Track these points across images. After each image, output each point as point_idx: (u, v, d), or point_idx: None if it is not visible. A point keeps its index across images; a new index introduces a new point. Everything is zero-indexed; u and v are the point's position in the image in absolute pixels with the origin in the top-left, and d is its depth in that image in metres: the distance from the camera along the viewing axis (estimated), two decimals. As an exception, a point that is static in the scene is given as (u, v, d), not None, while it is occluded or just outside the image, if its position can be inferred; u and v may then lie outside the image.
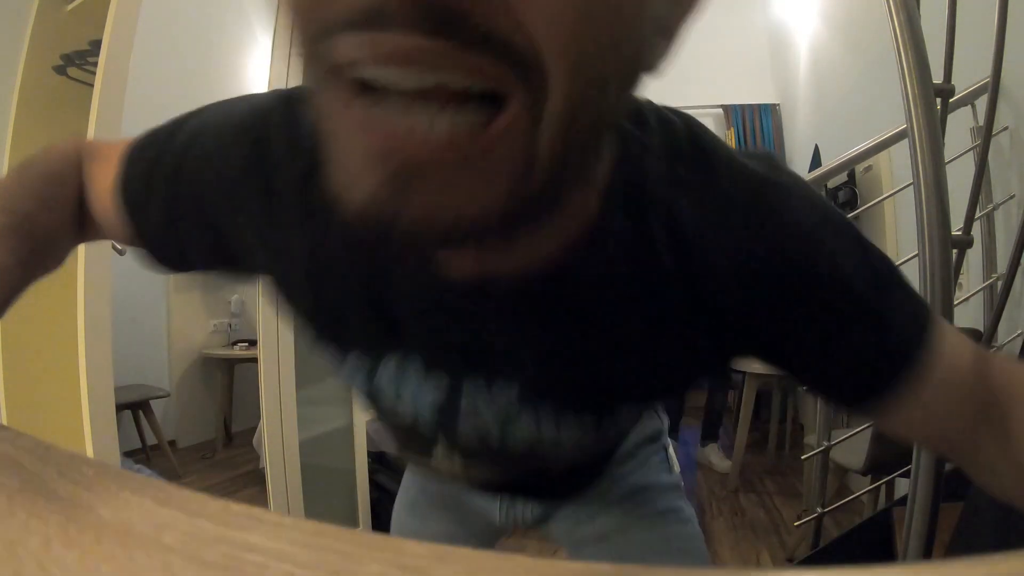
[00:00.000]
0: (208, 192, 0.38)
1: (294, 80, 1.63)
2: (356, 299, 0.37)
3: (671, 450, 0.72)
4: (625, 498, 0.63)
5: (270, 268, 0.40)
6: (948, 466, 0.83)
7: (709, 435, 3.10)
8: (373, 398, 0.43)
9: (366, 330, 0.38)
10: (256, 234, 0.38)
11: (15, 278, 0.39)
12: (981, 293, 1.47)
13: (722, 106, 4.35)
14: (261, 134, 0.36)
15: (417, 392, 0.40)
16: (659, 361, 0.37)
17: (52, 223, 0.42)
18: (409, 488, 0.71)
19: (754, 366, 2.62)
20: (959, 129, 1.48)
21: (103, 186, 0.43)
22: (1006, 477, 0.36)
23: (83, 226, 0.46)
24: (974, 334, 1.38)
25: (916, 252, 0.83)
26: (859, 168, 2.42)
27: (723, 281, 0.33)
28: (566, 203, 0.30)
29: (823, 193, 2.53)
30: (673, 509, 0.66)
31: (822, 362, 0.36)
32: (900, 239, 2.21)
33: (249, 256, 0.40)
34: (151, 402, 2.68)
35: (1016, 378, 0.36)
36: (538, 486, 0.60)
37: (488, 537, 0.71)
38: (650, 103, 0.36)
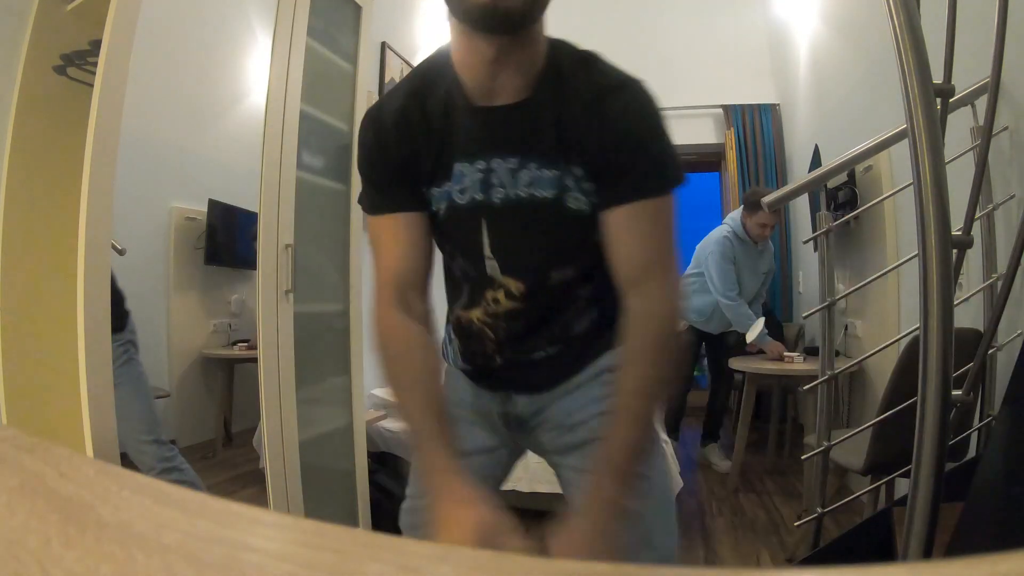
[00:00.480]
0: (391, 139, 0.74)
1: (293, 82, 1.63)
2: (451, 143, 0.73)
3: None
4: (600, 415, 0.78)
5: (427, 161, 0.74)
6: (948, 466, 0.83)
7: (709, 435, 3.10)
8: (453, 212, 0.75)
9: (449, 159, 0.73)
10: (423, 143, 0.74)
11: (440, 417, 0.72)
12: (981, 293, 1.47)
13: (722, 106, 4.35)
14: (414, 86, 0.75)
15: (470, 176, 0.73)
16: (571, 140, 0.71)
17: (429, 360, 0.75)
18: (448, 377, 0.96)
19: (753, 366, 2.62)
20: (959, 129, 1.48)
21: (399, 250, 0.76)
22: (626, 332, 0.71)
23: (423, 314, 0.77)
24: (974, 334, 1.38)
25: (916, 252, 0.83)
26: (859, 168, 2.42)
27: (585, 117, 0.69)
28: (533, 46, 0.69)
29: (823, 193, 2.53)
30: None
31: (610, 175, 0.70)
32: (900, 239, 2.21)
33: (422, 167, 0.74)
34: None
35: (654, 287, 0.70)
36: (528, 371, 0.84)
37: (492, 445, 0.91)
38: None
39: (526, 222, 0.74)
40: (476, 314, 0.82)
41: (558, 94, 0.70)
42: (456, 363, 0.90)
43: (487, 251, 0.76)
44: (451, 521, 0.63)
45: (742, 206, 2.97)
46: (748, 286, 2.99)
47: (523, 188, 0.72)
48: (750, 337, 2.84)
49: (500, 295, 0.78)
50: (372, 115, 0.77)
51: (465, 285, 0.82)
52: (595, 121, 0.69)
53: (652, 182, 0.69)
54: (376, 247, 0.77)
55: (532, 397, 0.85)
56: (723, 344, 3.05)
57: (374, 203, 0.76)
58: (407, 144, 0.74)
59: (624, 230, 0.70)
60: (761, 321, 2.86)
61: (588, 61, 0.73)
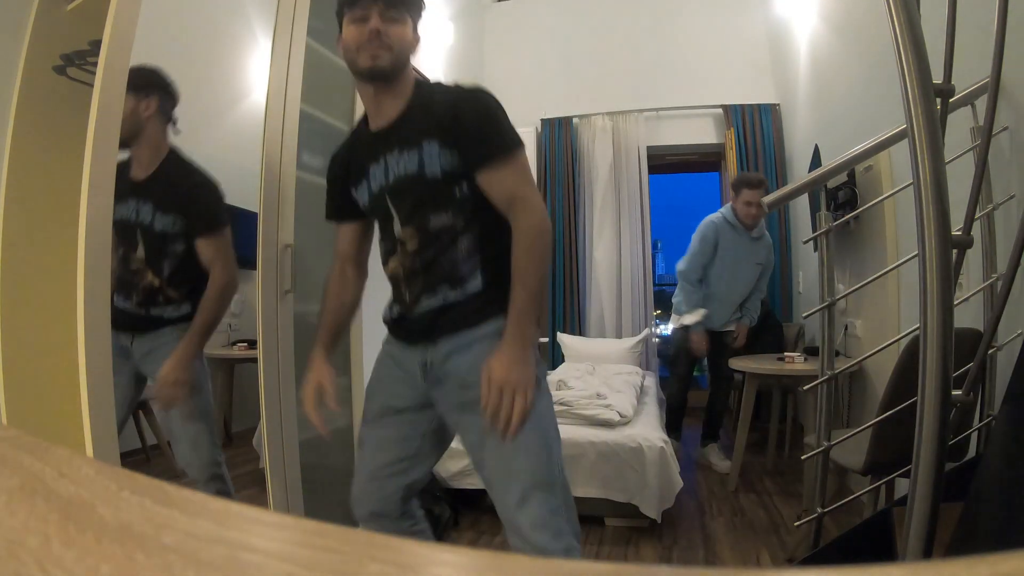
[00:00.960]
0: (338, 175, 1.25)
1: (293, 82, 1.64)
2: (366, 155, 1.18)
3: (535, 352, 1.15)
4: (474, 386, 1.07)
5: (353, 170, 1.21)
6: (948, 466, 0.83)
7: (709, 435, 3.10)
8: (371, 197, 1.17)
9: (365, 164, 1.18)
10: (351, 161, 1.22)
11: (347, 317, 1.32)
12: (981, 293, 1.47)
13: (722, 106, 4.35)
14: (351, 131, 1.29)
15: (378, 170, 1.15)
16: (433, 131, 1.09)
17: (348, 293, 1.30)
18: (378, 365, 1.26)
19: (753, 366, 2.62)
20: (959, 129, 1.48)
21: (342, 241, 1.30)
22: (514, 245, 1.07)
23: (353, 276, 1.31)
24: (974, 334, 1.38)
25: (916, 252, 0.83)
26: (859, 168, 2.42)
27: (448, 116, 1.08)
28: (402, 87, 1.14)
29: (823, 193, 2.52)
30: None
31: (470, 149, 1.08)
32: (900, 239, 2.21)
33: (349, 185, 1.22)
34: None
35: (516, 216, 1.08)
36: (435, 318, 1.12)
37: (421, 403, 1.18)
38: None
39: (406, 188, 1.12)
40: (393, 262, 1.17)
41: (424, 109, 1.11)
42: (389, 316, 1.22)
43: (393, 213, 1.14)
44: (308, 377, 1.20)
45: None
46: (742, 276, 2.97)
47: (402, 168, 1.11)
48: (688, 320, 2.92)
49: (406, 240, 1.14)
50: (332, 157, 1.27)
51: (387, 246, 1.18)
52: (455, 115, 1.07)
53: (498, 151, 1.07)
54: (335, 238, 1.30)
55: (439, 344, 1.12)
56: (722, 344, 3.04)
57: (336, 215, 1.28)
58: (344, 167, 1.23)
59: (489, 184, 1.08)
60: (702, 312, 2.92)
61: (443, 85, 1.17)
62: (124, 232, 1.54)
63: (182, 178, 1.60)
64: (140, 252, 1.57)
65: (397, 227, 1.14)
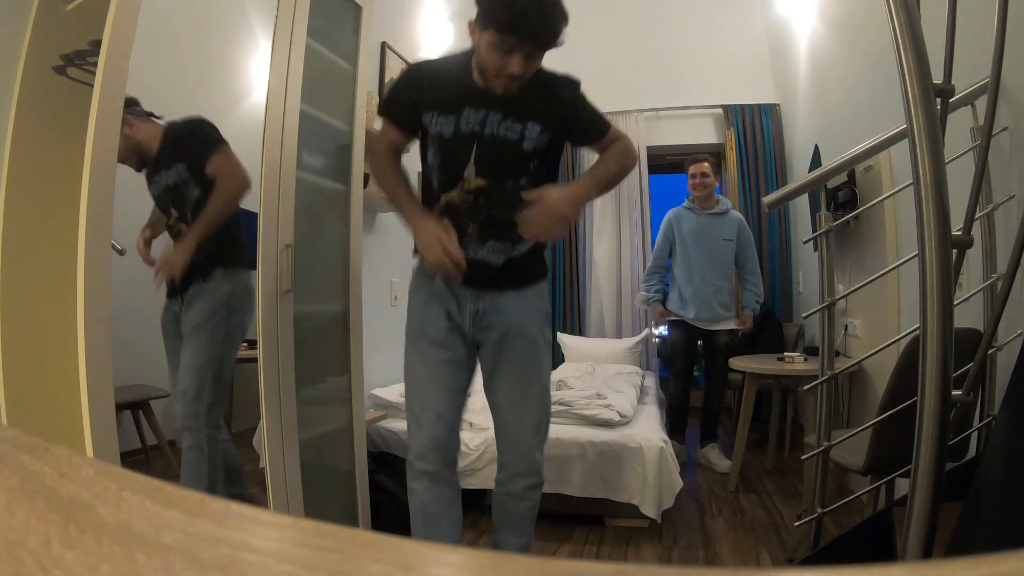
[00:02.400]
0: (416, 91, 1.33)
1: (293, 82, 1.64)
2: (466, 95, 1.29)
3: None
4: (538, 329, 1.41)
5: (431, 118, 1.32)
6: (948, 466, 0.83)
7: (707, 435, 3.10)
8: (456, 132, 1.29)
9: (461, 103, 1.29)
10: (430, 103, 1.32)
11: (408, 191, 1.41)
12: (981, 293, 1.47)
13: (722, 106, 4.35)
14: (453, 64, 1.33)
15: (474, 116, 1.28)
16: (536, 113, 1.31)
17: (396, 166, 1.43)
18: (420, 292, 1.42)
19: (753, 366, 2.61)
20: (959, 129, 1.48)
21: (392, 134, 1.40)
22: (605, 163, 1.41)
23: (398, 160, 1.43)
24: (974, 334, 1.38)
25: (916, 252, 0.83)
26: (859, 168, 2.42)
27: (554, 106, 1.33)
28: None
29: (823, 193, 2.52)
30: (544, 339, 1.43)
31: (578, 133, 1.42)
32: (900, 239, 2.21)
33: (423, 116, 1.33)
34: (151, 402, 2.68)
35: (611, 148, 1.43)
36: (492, 272, 1.35)
37: (462, 327, 1.38)
38: None
39: (498, 148, 1.29)
40: (453, 195, 1.32)
41: (532, 92, 1.28)
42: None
43: (472, 161, 1.30)
44: (428, 227, 1.28)
45: None
46: (710, 253, 3.01)
47: (502, 131, 1.29)
48: (637, 301, 3.36)
49: (471, 181, 1.31)
50: (421, 65, 1.37)
51: (446, 178, 1.33)
52: (562, 109, 1.33)
53: (602, 129, 1.40)
54: (382, 132, 1.41)
55: (495, 295, 1.35)
56: (714, 343, 3.05)
57: (393, 115, 1.39)
58: (431, 84, 1.31)
59: (599, 149, 1.42)
60: (644, 296, 3.19)
61: (542, 71, 1.30)
62: (160, 205, 1.71)
63: (171, 132, 1.72)
64: (174, 213, 1.69)
65: (469, 170, 1.30)
